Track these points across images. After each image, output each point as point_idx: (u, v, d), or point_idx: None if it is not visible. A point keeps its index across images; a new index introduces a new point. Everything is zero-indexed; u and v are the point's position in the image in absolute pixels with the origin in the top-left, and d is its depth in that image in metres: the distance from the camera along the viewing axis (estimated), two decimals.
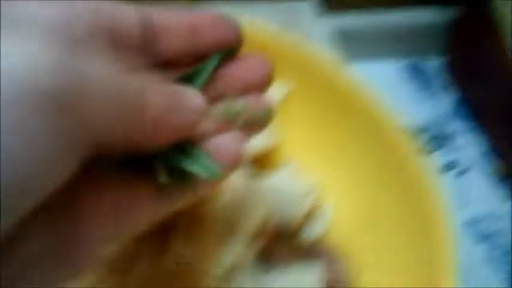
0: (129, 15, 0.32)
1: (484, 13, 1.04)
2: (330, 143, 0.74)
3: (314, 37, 0.96)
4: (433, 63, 1.17)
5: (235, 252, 0.55)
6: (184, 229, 0.51)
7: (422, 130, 1.07)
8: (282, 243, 0.65)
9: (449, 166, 1.01)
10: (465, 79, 1.19)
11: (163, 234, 0.52)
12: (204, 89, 0.38)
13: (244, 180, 0.63)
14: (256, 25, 0.71)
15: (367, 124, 0.70)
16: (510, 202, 0.98)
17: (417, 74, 1.17)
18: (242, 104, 0.40)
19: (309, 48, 0.74)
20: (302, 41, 0.74)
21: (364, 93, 0.70)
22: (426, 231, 0.60)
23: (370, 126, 0.70)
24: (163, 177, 0.34)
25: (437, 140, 1.05)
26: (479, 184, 1.02)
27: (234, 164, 0.39)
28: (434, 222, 0.59)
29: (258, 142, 0.72)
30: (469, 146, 1.08)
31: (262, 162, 0.74)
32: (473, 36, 1.10)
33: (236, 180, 0.65)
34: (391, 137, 0.67)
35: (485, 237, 0.92)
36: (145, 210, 0.34)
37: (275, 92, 0.75)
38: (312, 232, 0.69)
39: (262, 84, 0.42)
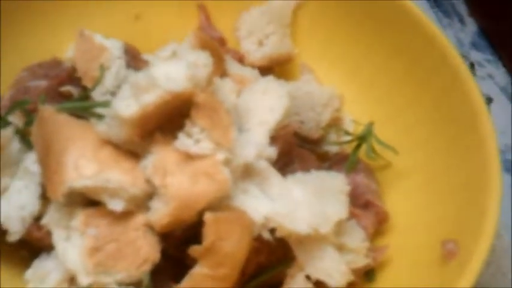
0: None
1: None
2: (351, 55, 0.67)
3: None
4: None
5: (258, 141, 0.49)
6: (201, 109, 0.45)
7: None
8: (303, 151, 0.59)
9: None
10: (484, 10, 1.12)
11: (173, 119, 0.46)
12: None
13: (265, 79, 0.56)
14: None
15: (391, 32, 0.63)
16: None
17: (437, 3, 1.11)
18: None
19: None
20: None
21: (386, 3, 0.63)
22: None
23: (394, 34, 0.63)
24: None
25: None
26: (505, 115, 0.96)
27: None
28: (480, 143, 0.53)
29: (275, 48, 0.66)
30: (490, 77, 1.02)
31: (281, 70, 0.68)
32: None
33: (254, 78, 0.59)
34: (420, 50, 0.60)
35: None
36: None
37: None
38: (334, 143, 0.63)
39: None
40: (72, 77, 0.62)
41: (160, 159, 0.45)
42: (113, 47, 0.63)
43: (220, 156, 0.45)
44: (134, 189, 0.45)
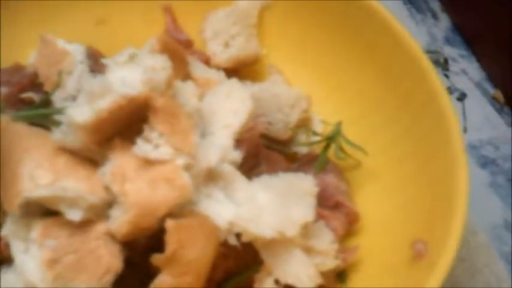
0: None
1: None
2: (320, 56, 0.67)
3: None
4: None
5: (221, 144, 0.48)
6: (160, 113, 0.44)
7: None
8: (272, 152, 0.58)
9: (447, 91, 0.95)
10: (458, 5, 1.12)
11: (132, 124, 0.45)
12: None
13: (229, 82, 0.56)
14: None
15: (361, 33, 0.63)
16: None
17: None
18: None
19: None
20: None
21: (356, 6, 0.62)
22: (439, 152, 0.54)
23: (364, 36, 0.62)
24: None
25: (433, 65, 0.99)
26: (479, 110, 0.96)
27: None
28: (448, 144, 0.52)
29: (242, 50, 0.65)
30: (464, 72, 1.02)
31: (249, 71, 0.67)
32: None
33: (219, 80, 0.58)
34: (389, 52, 0.60)
35: (489, 162, 0.86)
36: None
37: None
38: (303, 144, 0.62)
39: None
40: (34, 82, 0.60)
41: (119, 165, 0.44)
42: (76, 51, 0.61)
43: (180, 161, 0.44)
44: (92, 198, 0.44)
